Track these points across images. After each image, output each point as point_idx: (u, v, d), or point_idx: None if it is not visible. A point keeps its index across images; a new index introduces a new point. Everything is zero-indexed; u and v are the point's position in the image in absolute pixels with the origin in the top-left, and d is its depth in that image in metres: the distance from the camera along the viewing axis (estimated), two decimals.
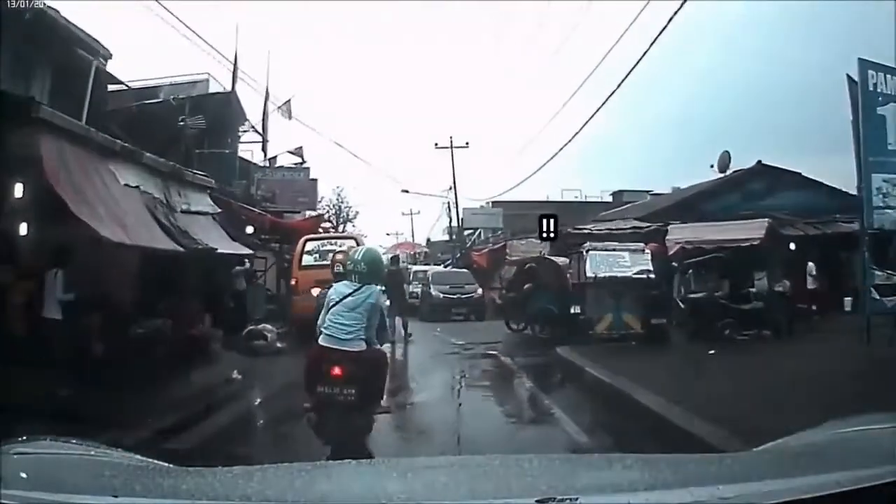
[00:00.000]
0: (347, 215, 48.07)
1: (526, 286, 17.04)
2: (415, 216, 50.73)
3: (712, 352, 11.76)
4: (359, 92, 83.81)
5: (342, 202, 48.85)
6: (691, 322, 13.52)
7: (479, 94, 75.00)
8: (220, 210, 12.76)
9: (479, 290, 24.52)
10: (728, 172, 23.58)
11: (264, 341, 13.70)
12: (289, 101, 23.68)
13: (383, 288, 6.46)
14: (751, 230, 14.64)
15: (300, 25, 77.02)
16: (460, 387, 10.43)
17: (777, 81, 53.76)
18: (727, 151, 24.33)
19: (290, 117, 24.23)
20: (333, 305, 5.97)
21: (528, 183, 50.69)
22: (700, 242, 14.98)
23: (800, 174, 21.81)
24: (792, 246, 16.55)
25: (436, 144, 38.43)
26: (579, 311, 13.90)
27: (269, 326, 14.28)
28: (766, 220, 15.33)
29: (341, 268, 6.49)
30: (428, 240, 49.55)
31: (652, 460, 2.31)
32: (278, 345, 14.00)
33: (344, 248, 18.21)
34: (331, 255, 18.75)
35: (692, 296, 13.75)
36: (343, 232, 29.54)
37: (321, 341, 5.97)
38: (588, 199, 38.04)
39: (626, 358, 10.88)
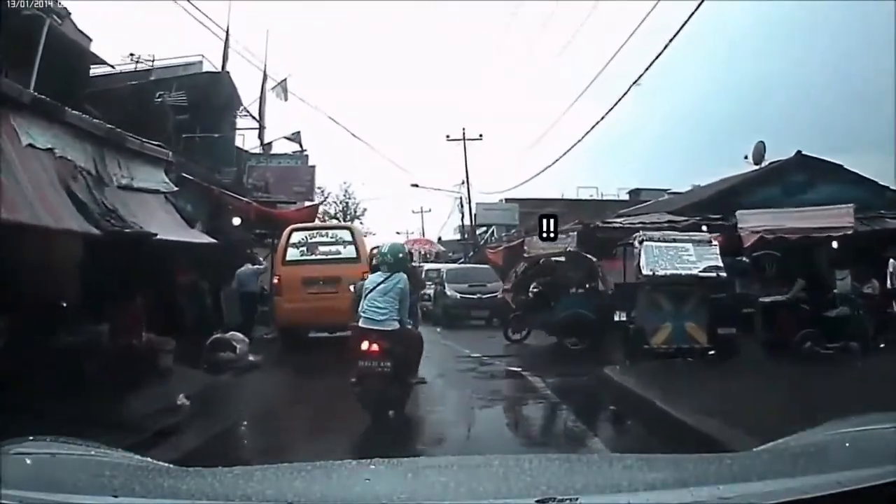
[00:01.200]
0: (355, 212, 45.16)
1: (534, 287, 15.17)
2: (426, 214, 47.00)
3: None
4: (365, 82, 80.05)
5: (349, 198, 45.57)
6: (764, 332, 11.32)
7: (492, 87, 71.35)
8: (176, 189, 11.38)
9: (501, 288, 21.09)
10: (763, 164, 21.69)
11: (232, 353, 11.49)
12: (285, 80, 23.10)
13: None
14: (836, 217, 12.00)
15: (304, 10, 72.19)
16: (471, 426, 8.11)
17: (789, 80, 51.64)
18: (762, 142, 22.15)
19: (285, 98, 22.48)
20: (369, 293, 7.38)
21: (544, 181, 48.14)
22: (783, 231, 11.84)
23: (841, 166, 20.08)
24: (835, 244, 14.58)
25: (447, 136, 36.36)
26: (625, 317, 11.88)
27: (238, 335, 12.14)
28: (851, 205, 12.30)
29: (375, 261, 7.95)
30: (439, 238, 47.27)
31: (652, 460, 2.33)
32: (251, 358, 11.99)
33: (336, 239, 14.45)
34: (320, 248, 15.33)
35: (766, 300, 11.56)
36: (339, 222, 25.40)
37: (360, 323, 7.37)
38: (605, 198, 36.67)
39: (707, 385, 8.50)
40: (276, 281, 14.54)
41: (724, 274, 10.81)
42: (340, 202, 46.78)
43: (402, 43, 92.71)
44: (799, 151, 20.01)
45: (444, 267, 25.64)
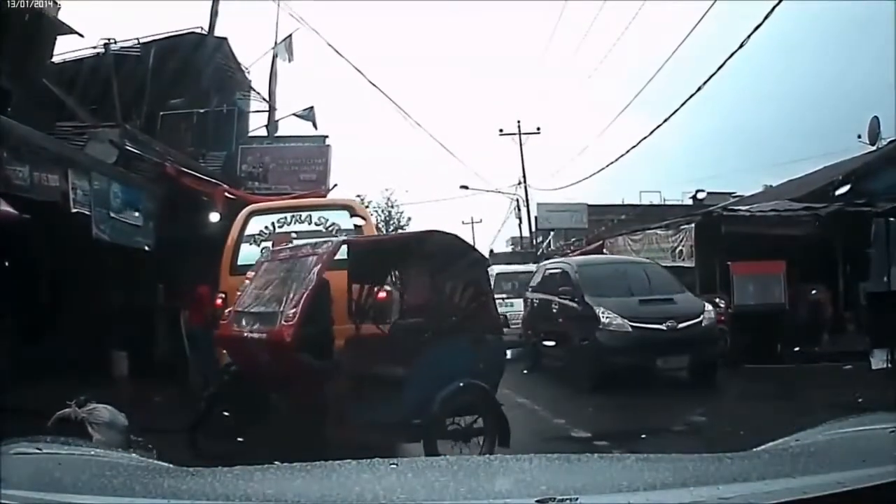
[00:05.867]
0: (399, 222, 39.46)
1: None
2: (476, 225, 41.88)
3: None
4: (406, 70, 71.24)
5: (392, 206, 39.54)
6: None
7: (549, 83, 64.07)
8: None
9: (709, 309, 10.79)
10: (883, 144, 18.44)
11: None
12: (290, 36, 18.26)
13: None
14: None
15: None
16: None
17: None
18: (876, 117, 19.29)
19: (290, 59, 18.30)
20: None
21: (604, 183, 42.68)
22: None
23: None
24: None
25: (500, 130, 32.57)
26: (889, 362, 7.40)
27: (104, 411, 5.64)
28: None
29: None
30: (491, 251, 41.13)
31: (652, 460, 2.30)
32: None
33: (327, 227, 8.59)
34: (299, 244, 8.38)
35: None
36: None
37: None
38: (667, 202, 33.10)
39: None
40: (219, 302, 8.18)
41: None
42: (382, 210, 42.03)
43: (449, 29, 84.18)
44: None
45: (569, 263, 13.26)
